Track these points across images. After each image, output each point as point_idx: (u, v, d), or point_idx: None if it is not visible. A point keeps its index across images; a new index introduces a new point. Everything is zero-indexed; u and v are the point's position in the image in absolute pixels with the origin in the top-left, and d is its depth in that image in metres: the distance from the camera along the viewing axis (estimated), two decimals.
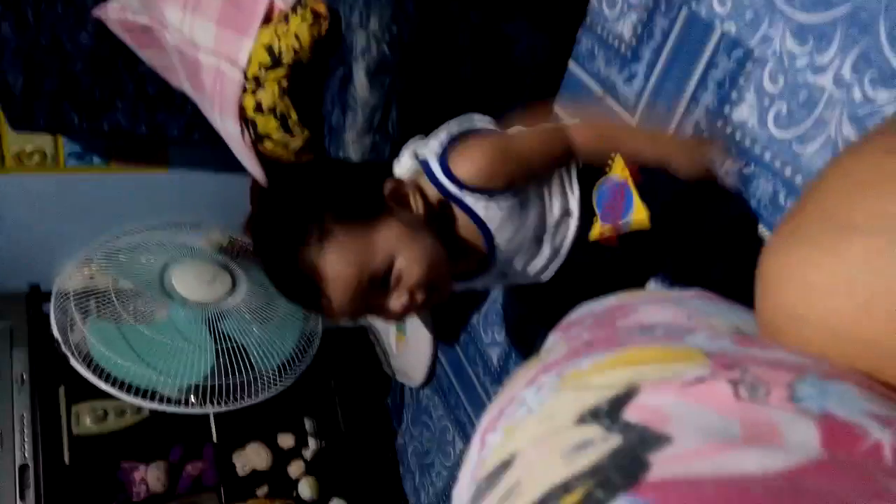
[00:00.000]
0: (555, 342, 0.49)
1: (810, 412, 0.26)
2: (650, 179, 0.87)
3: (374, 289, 0.76)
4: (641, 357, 0.32)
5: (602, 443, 0.26)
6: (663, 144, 0.89)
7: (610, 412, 0.28)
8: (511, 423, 0.34)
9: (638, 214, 0.85)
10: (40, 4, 1.35)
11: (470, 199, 0.81)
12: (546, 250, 0.87)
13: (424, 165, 0.82)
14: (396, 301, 0.77)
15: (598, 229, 0.86)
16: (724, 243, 0.94)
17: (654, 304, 0.49)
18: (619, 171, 0.86)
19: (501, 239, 0.83)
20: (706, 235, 0.93)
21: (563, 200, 0.87)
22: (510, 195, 0.81)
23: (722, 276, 0.94)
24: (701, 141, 0.94)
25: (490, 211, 0.81)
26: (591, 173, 0.88)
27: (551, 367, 0.35)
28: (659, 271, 0.94)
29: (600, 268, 0.91)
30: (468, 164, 0.79)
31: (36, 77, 1.43)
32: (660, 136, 0.94)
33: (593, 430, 0.27)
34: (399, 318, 0.81)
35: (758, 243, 0.89)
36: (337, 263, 0.74)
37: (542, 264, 0.88)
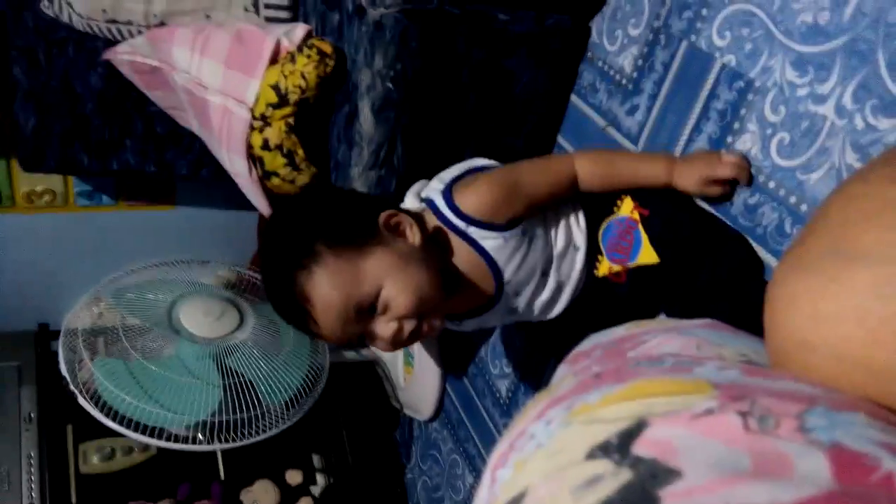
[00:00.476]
0: (563, 374, 0.49)
1: (820, 443, 0.26)
2: (658, 215, 0.88)
3: (361, 315, 0.77)
4: (650, 390, 0.31)
5: (612, 478, 0.26)
6: (665, 165, 0.90)
7: (620, 446, 0.28)
8: (521, 457, 0.34)
9: (646, 253, 0.85)
10: (52, 48, 1.38)
11: (476, 234, 0.81)
12: (551, 283, 0.88)
13: (429, 203, 0.82)
14: (384, 329, 0.78)
15: (605, 266, 0.87)
16: (731, 277, 0.93)
17: (662, 334, 0.49)
18: (626, 211, 0.87)
19: (509, 272, 0.84)
20: (713, 270, 0.93)
21: (568, 233, 0.88)
22: (517, 230, 0.82)
23: (729, 309, 0.93)
24: (708, 157, 0.91)
25: (497, 244, 0.82)
26: (598, 211, 0.89)
27: (560, 401, 0.35)
28: (666, 307, 0.94)
29: (608, 304, 0.91)
30: (474, 198, 0.81)
31: (47, 119, 1.45)
32: (660, 157, 0.93)
33: (603, 465, 0.27)
34: (390, 346, 0.81)
35: (762, 274, 0.89)
36: (324, 287, 0.75)
37: (547, 297, 0.88)
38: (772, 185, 0.87)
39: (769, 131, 0.88)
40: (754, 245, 0.90)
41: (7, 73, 1.43)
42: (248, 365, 1.52)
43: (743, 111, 0.91)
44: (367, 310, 0.77)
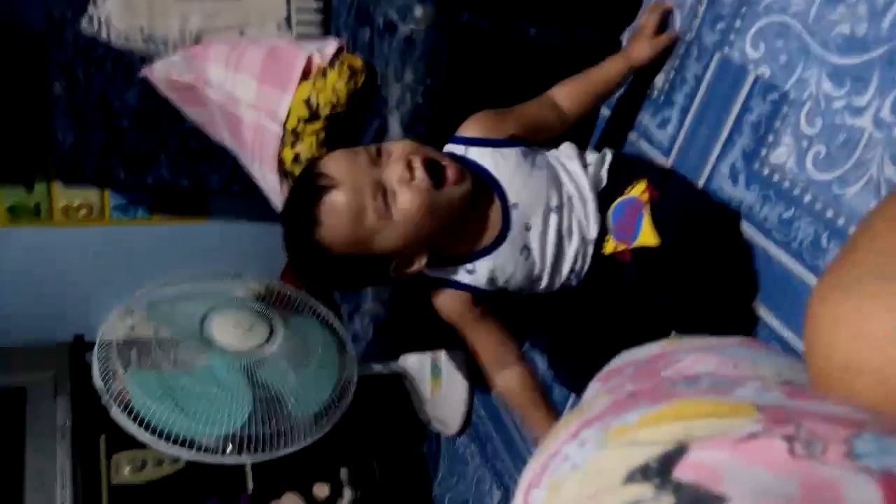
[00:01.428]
0: (595, 393, 0.48)
1: (871, 470, 0.25)
2: (668, 199, 0.88)
3: (371, 162, 0.79)
4: (690, 411, 0.31)
5: (652, 503, 0.26)
6: (621, 56, 1.02)
7: (660, 470, 0.27)
8: (556, 478, 0.33)
9: (646, 234, 0.87)
10: (91, 65, 1.42)
11: (475, 154, 0.87)
12: (564, 222, 0.88)
13: None
14: (395, 170, 0.79)
15: (611, 245, 0.89)
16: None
17: (696, 352, 0.48)
18: (637, 192, 0.88)
19: (512, 192, 0.85)
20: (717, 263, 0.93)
21: (576, 178, 0.90)
22: (517, 148, 0.87)
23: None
24: (642, 27, 1.03)
25: (495, 160, 0.86)
26: (611, 191, 0.90)
27: (594, 421, 0.34)
28: (669, 294, 0.93)
29: (616, 287, 0.91)
30: (470, 124, 0.90)
31: (85, 133, 1.49)
32: (616, 55, 1.03)
33: (643, 490, 0.27)
34: (415, 192, 0.79)
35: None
36: (333, 158, 0.82)
37: (554, 238, 0.88)
38: (807, 198, 0.86)
39: (805, 144, 0.86)
40: (789, 260, 0.88)
41: (47, 90, 1.47)
42: (278, 378, 1.52)
43: (777, 123, 0.89)
44: (374, 156, 0.80)
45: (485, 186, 0.85)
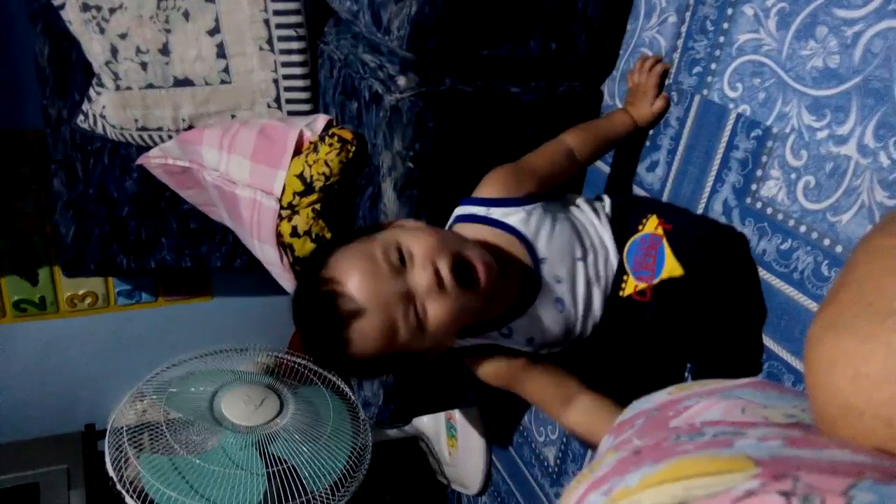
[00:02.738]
0: (606, 447, 0.48)
1: None
2: (681, 229, 0.88)
3: (393, 270, 0.72)
4: (689, 470, 0.30)
5: None
6: (626, 114, 1.04)
7: None
8: None
9: (670, 266, 0.86)
10: (88, 158, 1.45)
11: (498, 213, 0.85)
12: (590, 271, 0.87)
13: (455, 218, 0.87)
14: (421, 275, 0.72)
15: (631, 285, 0.87)
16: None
17: (706, 398, 0.48)
18: (650, 228, 0.88)
19: (541, 246, 0.84)
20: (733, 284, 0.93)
21: (594, 228, 0.90)
22: (537, 205, 0.86)
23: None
24: (635, 89, 1.05)
25: (520, 218, 0.84)
26: (623, 231, 0.91)
27: (599, 484, 0.34)
28: (689, 323, 0.92)
29: (634, 328, 0.90)
30: (486, 185, 0.87)
31: (86, 225, 1.51)
32: (618, 111, 1.06)
33: None
34: (443, 295, 0.73)
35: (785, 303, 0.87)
36: (348, 259, 0.74)
37: (584, 291, 0.87)
38: (803, 229, 0.86)
39: (793, 176, 0.87)
40: (793, 291, 0.88)
41: (47, 186, 1.50)
42: (291, 451, 1.50)
43: (764, 158, 0.91)
44: (397, 263, 0.73)
45: (515, 246, 0.84)
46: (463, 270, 0.74)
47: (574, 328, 0.88)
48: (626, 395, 0.61)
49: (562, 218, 0.88)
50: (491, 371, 0.86)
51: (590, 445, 0.85)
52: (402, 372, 0.96)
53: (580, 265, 0.86)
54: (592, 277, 0.87)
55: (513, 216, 0.84)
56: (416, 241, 0.74)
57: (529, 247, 0.83)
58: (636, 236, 0.89)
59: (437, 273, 0.72)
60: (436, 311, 0.72)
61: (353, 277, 0.72)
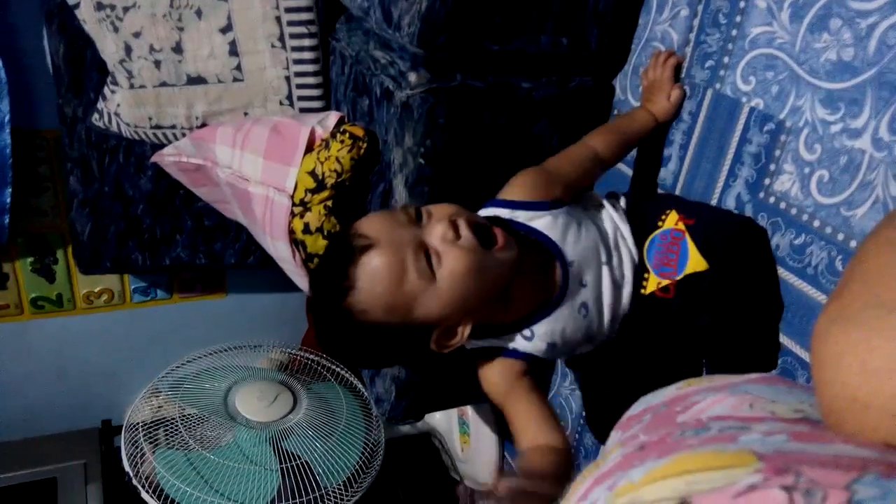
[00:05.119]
0: (614, 442, 0.48)
1: None
2: (703, 223, 0.88)
3: (411, 223, 0.73)
4: (692, 465, 0.30)
5: None
6: (646, 111, 1.03)
7: None
8: None
9: (694, 261, 0.85)
10: (104, 157, 1.47)
11: (524, 217, 0.83)
12: (616, 273, 0.87)
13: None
14: (438, 228, 0.72)
15: (653, 282, 0.87)
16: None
17: (713, 393, 0.47)
18: (670, 224, 0.87)
19: (568, 249, 0.83)
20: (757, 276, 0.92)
21: (616, 231, 0.89)
22: (563, 209, 0.84)
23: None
24: (651, 83, 1.04)
25: (547, 222, 0.83)
26: (643, 228, 0.90)
27: (604, 479, 0.34)
28: (713, 317, 0.91)
29: (658, 325, 0.89)
30: (513, 187, 0.86)
31: (102, 223, 1.53)
32: (637, 109, 1.05)
33: None
34: (462, 249, 0.72)
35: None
36: (371, 220, 0.75)
37: (610, 293, 0.86)
38: (816, 223, 0.85)
39: (807, 170, 0.86)
40: (806, 286, 0.87)
41: (63, 185, 1.52)
42: (305, 447, 1.51)
43: (777, 153, 0.90)
44: (414, 217, 0.74)
45: (543, 249, 0.82)
46: (482, 234, 0.74)
47: (595, 335, 0.87)
48: (644, 392, 0.61)
49: (587, 222, 0.87)
50: (498, 376, 0.83)
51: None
52: (407, 355, 0.89)
53: (605, 269, 0.85)
54: (618, 279, 0.87)
55: (539, 220, 0.83)
56: (436, 206, 0.76)
57: (557, 251, 0.82)
58: (656, 232, 0.88)
59: (454, 227, 0.72)
60: (450, 259, 0.71)
61: (369, 221, 0.74)
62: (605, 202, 0.92)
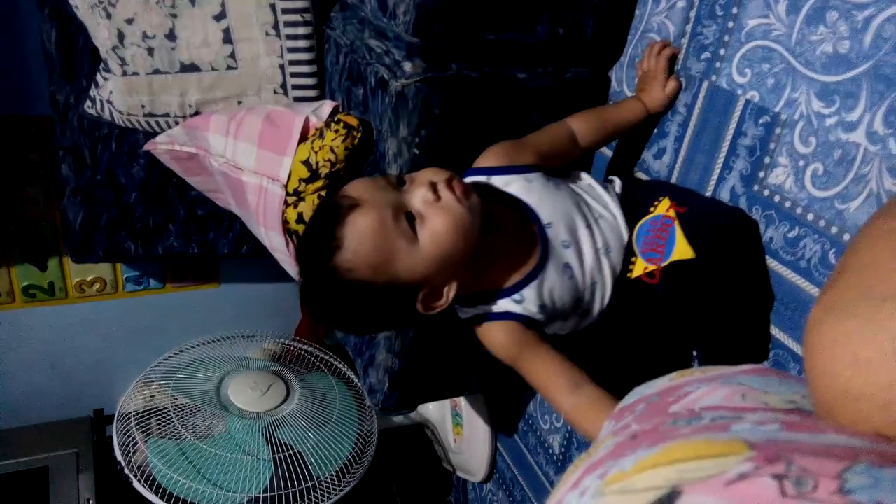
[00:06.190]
0: (606, 432, 0.48)
1: None
2: (695, 212, 0.88)
3: (392, 187, 0.77)
4: (683, 453, 0.30)
5: None
6: (638, 101, 1.03)
7: None
8: None
9: (681, 249, 0.86)
10: (96, 145, 1.46)
11: (499, 182, 0.87)
12: (598, 239, 0.88)
13: None
14: (418, 191, 0.76)
15: (640, 266, 0.88)
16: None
17: (706, 384, 0.47)
18: (662, 210, 0.88)
19: (544, 212, 0.85)
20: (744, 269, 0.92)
21: (602, 204, 0.91)
22: (538, 173, 0.88)
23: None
24: (646, 74, 1.04)
25: (521, 186, 0.86)
26: (634, 213, 0.90)
27: (595, 467, 0.34)
28: (696, 307, 0.91)
29: (642, 310, 0.90)
30: (487, 155, 0.90)
31: (94, 211, 1.52)
32: (629, 98, 1.06)
33: None
34: (433, 213, 0.75)
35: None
36: (355, 186, 0.78)
37: (591, 254, 0.87)
38: (810, 216, 0.85)
39: (801, 163, 0.86)
40: (800, 279, 0.87)
41: (55, 172, 1.51)
42: (297, 437, 1.51)
43: (772, 145, 0.90)
44: (395, 182, 0.78)
45: (517, 212, 0.85)
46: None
47: (583, 297, 0.88)
48: (633, 383, 0.61)
49: (563, 186, 0.90)
50: (500, 337, 0.84)
51: (584, 433, 0.82)
52: (393, 319, 0.88)
53: (585, 232, 0.87)
54: (601, 247, 0.88)
55: (514, 184, 0.87)
56: (418, 171, 0.80)
57: (532, 213, 0.85)
58: (647, 217, 0.89)
59: (433, 189, 0.76)
60: (432, 220, 0.75)
61: (353, 184, 0.78)
62: (595, 182, 0.93)
